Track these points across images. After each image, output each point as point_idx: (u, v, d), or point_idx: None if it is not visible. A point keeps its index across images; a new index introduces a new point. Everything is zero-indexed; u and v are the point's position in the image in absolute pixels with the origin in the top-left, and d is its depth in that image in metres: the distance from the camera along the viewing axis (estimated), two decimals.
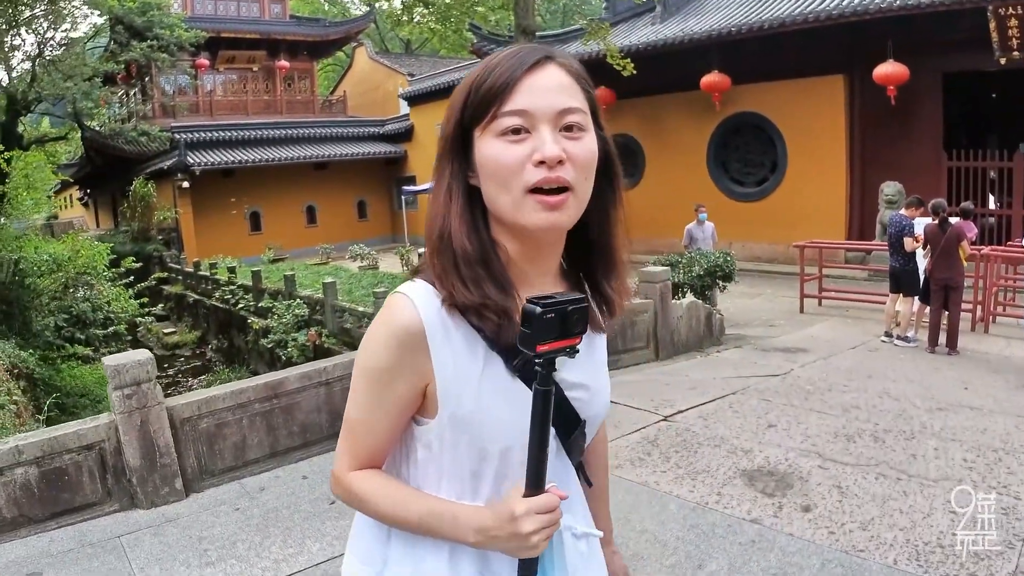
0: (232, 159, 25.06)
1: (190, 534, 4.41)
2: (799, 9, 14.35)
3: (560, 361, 1.02)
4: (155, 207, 24.60)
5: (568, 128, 1.07)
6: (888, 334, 9.03)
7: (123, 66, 25.31)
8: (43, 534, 4.52)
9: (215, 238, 24.42)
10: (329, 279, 13.72)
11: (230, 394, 5.17)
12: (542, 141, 1.04)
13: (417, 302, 1.09)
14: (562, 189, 1.05)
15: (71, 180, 40.89)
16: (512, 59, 1.08)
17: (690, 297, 8.99)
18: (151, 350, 17.91)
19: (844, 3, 13.57)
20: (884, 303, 9.54)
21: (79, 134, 25.91)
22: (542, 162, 1.03)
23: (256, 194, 25.96)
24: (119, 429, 4.69)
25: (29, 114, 27.46)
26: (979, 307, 9.83)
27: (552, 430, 1.06)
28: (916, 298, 8.91)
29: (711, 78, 15.83)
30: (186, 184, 24.10)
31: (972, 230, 9.74)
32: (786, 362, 7.71)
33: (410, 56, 42.84)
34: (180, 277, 21.61)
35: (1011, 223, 14.14)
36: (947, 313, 8.46)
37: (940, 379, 7.07)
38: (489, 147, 1.07)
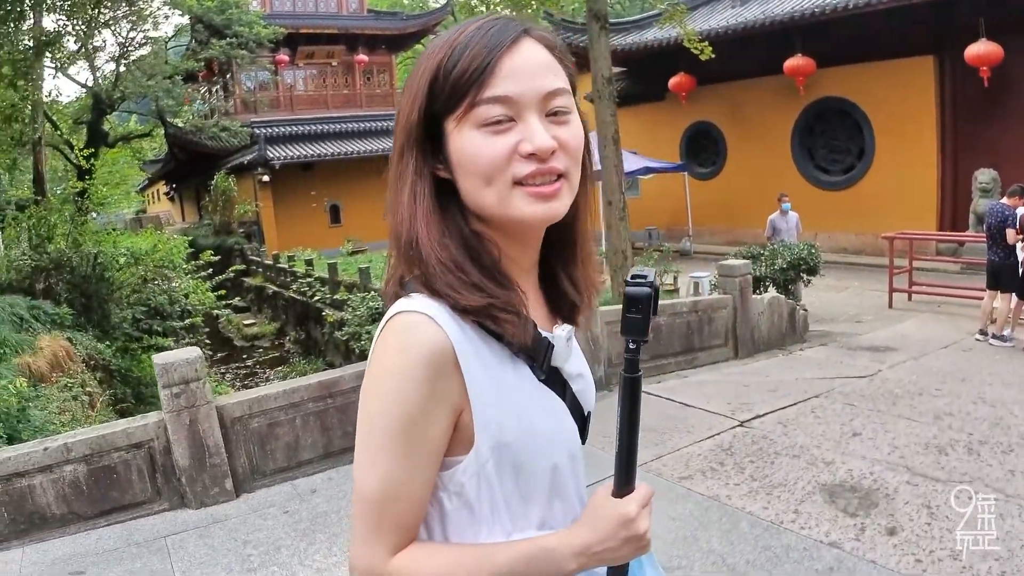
0: (311, 153, 25.41)
1: (236, 537, 4.26)
2: None
3: (566, 355, 1.01)
4: (236, 201, 25.16)
5: (554, 113, 0.95)
6: (983, 332, 8.31)
7: (203, 64, 25.84)
8: (91, 531, 4.45)
9: (295, 231, 24.74)
10: None
11: (282, 393, 5.01)
12: (532, 132, 0.92)
13: (437, 318, 0.92)
14: (556, 177, 0.95)
15: (151, 177, 42.67)
16: (484, 36, 0.93)
17: (772, 292, 8.46)
18: (231, 341, 18.26)
19: None
20: (978, 298, 8.80)
21: (163, 131, 26.59)
22: (532, 154, 0.92)
23: (336, 187, 26.21)
24: (168, 428, 4.58)
25: (117, 112, 28.51)
26: None
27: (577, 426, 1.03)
28: (1014, 294, 8.20)
29: (794, 62, 15.05)
30: (266, 178, 24.55)
31: None
32: (873, 362, 7.15)
33: None
34: (260, 269, 21.97)
35: None
36: None
37: None
38: (468, 140, 0.93)
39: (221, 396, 5.07)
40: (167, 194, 41.34)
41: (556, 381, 1.02)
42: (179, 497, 4.71)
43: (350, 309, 13.82)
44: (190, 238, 23.98)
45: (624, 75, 20.23)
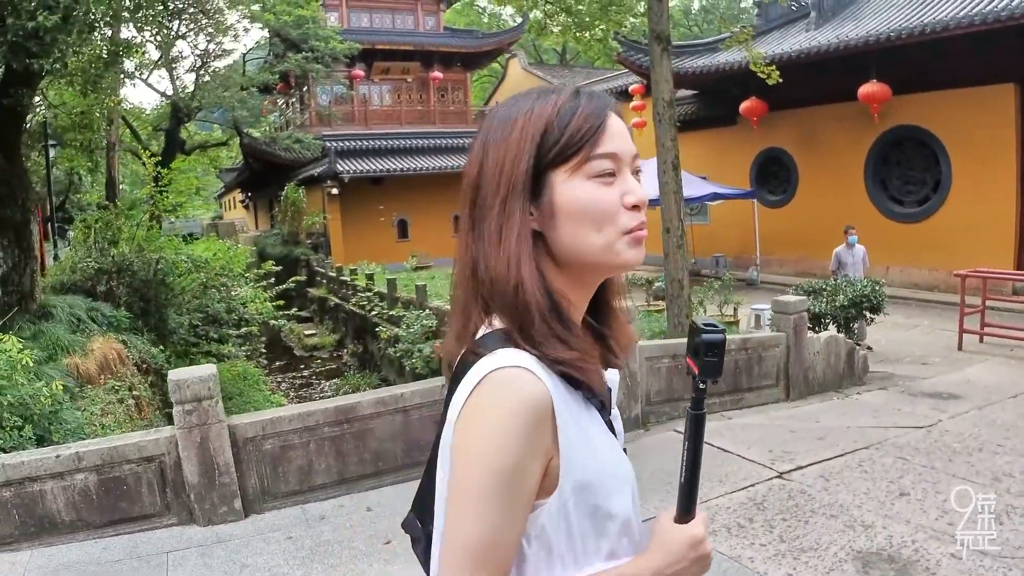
0: (380, 167, 25.71)
1: (235, 559, 4.16)
2: (964, 11, 12.87)
3: (615, 400, 1.13)
4: (304, 212, 25.52)
5: (636, 172, 1.08)
6: None
7: (279, 77, 26.39)
8: (99, 540, 4.42)
9: (363, 244, 25.03)
10: None
11: (297, 416, 4.91)
12: (633, 186, 1.05)
13: (537, 372, 0.97)
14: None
15: (228, 184, 43.79)
16: (592, 101, 1.05)
17: (831, 330, 8.01)
18: (292, 350, 18.42)
19: (1014, 3, 12.03)
20: None
21: (238, 141, 27.24)
22: (635, 205, 1.03)
23: (404, 202, 26.49)
24: (179, 444, 4.52)
25: (199, 121, 29.38)
26: None
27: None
28: None
29: (869, 88, 14.48)
30: (335, 191, 24.87)
31: None
32: (934, 411, 6.69)
33: (564, 67, 42.69)
34: (324, 281, 22.21)
35: None
36: None
37: None
38: (581, 189, 1.02)
39: (235, 416, 5.00)
40: (242, 202, 42.39)
41: (612, 426, 1.10)
42: (188, 513, 4.64)
43: (404, 326, 13.82)
44: (259, 247, 24.65)
45: (695, 98, 19.92)
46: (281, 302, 15.65)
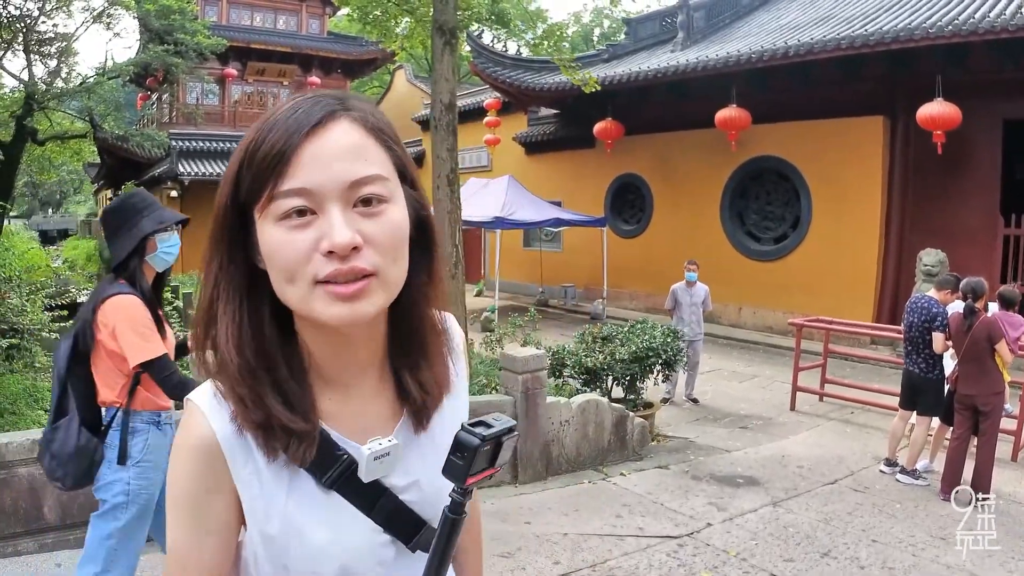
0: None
1: None
2: (831, 34, 11.83)
3: (386, 469, 0.99)
4: None
5: (366, 202, 0.88)
6: (890, 463, 6.42)
7: (137, 69, 24.43)
8: None
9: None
10: None
11: None
12: (330, 225, 0.86)
13: (207, 413, 0.94)
14: (362, 276, 0.88)
15: (94, 180, 41.43)
16: (290, 116, 0.88)
17: (587, 395, 6.25)
18: None
19: (885, 28, 11.00)
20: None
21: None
22: (331, 252, 0.85)
23: None
24: None
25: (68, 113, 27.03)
26: None
27: (388, 537, 1.00)
28: (935, 418, 6.31)
29: (727, 113, 13.23)
30: (174, 193, 22.88)
31: (1019, 326, 6.95)
32: (710, 506, 5.17)
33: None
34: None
35: None
36: (976, 442, 5.86)
37: (952, 558, 4.48)
38: (269, 234, 0.88)
39: None
40: (109, 199, 39.94)
41: (362, 493, 0.98)
42: None
43: None
44: (99, 248, 22.33)
45: (556, 118, 18.63)
46: (65, 312, 13.76)
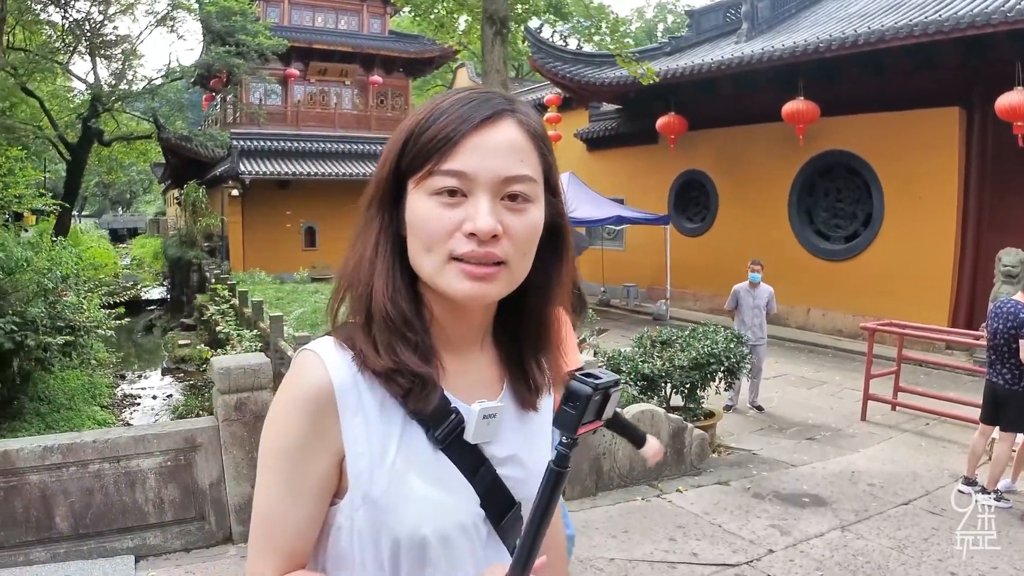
0: (286, 170, 24.00)
1: None
2: (903, 21, 11.18)
3: (490, 434, 1.03)
4: (203, 213, 23.78)
5: (512, 197, 0.97)
6: (969, 482, 5.91)
7: (203, 71, 24.86)
8: None
9: (267, 250, 23.25)
10: (300, 309, 11.56)
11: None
12: (476, 211, 0.94)
13: (327, 360, 0.99)
14: (495, 263, 0.96)
15: (161, 180, 42.54)
16: (462, 106, 0.97)
17: (642, 405, 5.86)
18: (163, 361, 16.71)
19: (960, 13, 10.31)
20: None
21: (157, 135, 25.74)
22: (472, 234, 0.93)
23: (314, 209, 24.61)
24: None
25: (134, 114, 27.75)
26: None
27: (482, 512, 1.03)
28: (1020, 433, 5.78)
29: (795, 106, 12.69)
30: (236, 192, 23.28)
31: None
32: (774, 529, 4.79)
33: (514, 79, 41.28)
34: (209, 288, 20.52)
35: None
36: None
37: None
38: (420, 205, 0.97)
39: None
40: (176, 198, 41.07)
41: (466, 457, 1.02)
42: None
43: (229, 347, 11.90)
44: (163, 248, 22.71)
45: (618, 113, 18.23)
46: (122, 309, 13.98)
